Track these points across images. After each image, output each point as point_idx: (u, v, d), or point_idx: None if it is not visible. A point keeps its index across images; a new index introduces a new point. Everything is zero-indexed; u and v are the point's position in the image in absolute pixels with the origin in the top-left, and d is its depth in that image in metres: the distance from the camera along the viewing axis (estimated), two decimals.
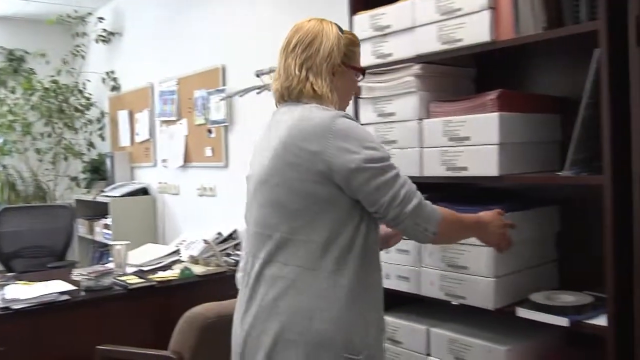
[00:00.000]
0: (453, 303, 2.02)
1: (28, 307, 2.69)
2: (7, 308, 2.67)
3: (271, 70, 2.99)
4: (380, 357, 1.64)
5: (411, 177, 2.10)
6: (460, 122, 1.98)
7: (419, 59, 2.12)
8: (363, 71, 1.81)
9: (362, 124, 2.30)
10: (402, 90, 2.16)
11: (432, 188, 2.16)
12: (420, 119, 2.12)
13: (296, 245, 1.53)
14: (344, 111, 1.66)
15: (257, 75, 3.06)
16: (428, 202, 1.61)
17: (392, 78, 2.19)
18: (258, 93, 2.90)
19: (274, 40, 3.37)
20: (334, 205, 1.53)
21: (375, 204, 1.54)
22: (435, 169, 2.06)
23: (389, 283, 2.24)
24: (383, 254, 2.24)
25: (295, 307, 1.51)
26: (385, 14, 2.22)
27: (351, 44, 1.74)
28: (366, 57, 2.29)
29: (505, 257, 1.94)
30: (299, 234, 1.53)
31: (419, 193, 1.60)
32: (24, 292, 2.77)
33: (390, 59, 2.20)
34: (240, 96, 3.04)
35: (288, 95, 1.67)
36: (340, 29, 1.72)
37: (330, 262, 1.52)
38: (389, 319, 2.28)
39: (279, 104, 1.72)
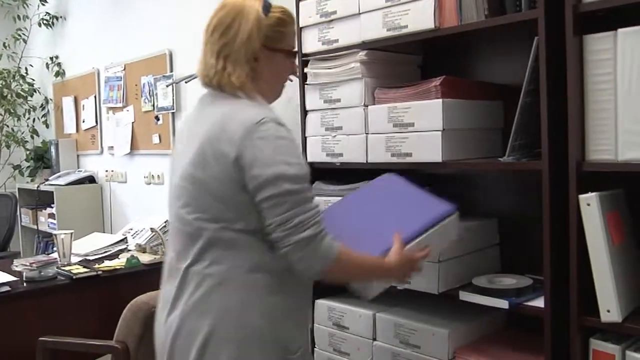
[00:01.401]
0: (398, 288, 2.04)
1: None
2: None
3: None
4: (308, 351, 1.65)
5: (357, 163, 2.15)
6: (404, 109, 1.99)
7: (364, 45, 2.12)
8: (293, 53, 1.68)
9: (308, 110, 2.33)
10: (347, 76, 2.16)
11: (377, 174, 2.19)
12: (366, 105, 2.13)
13: (223, 243, 1.47)
14: (273, 113, 1.57)
15: None
16: (328, 239, 1.45)
17: (338, 64, 2.19)
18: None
19: None
20: (254, 207, 1.45)
21: (266, 220, 1.43)
22: (380, 155, 2.07)
23: None
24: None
25: (226, 304, 1.46)
26: (331, 0, 2.21)
27: (279, 24, 1.59)
28: (312, 43, 2.29)
29: None
30: (225, 232, 1.46)
31: (322, 227, 1.45)
32: None
33: (336, 45, 2.20)
34: (186, 82, 3.00)
35: (209, 84, 1.57)
36: (266, 6, 1.57)
37: (258, 259, 1.47)
38: (335, 304, 2.30)
39: (205, 87, 1.61)
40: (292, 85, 2.77)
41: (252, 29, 1.54)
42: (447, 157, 1.92)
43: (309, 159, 2.34)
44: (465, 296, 1.89)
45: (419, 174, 2.32)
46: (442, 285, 1.95)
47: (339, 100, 2.20)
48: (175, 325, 1.50)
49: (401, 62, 2.26)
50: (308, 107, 2.33)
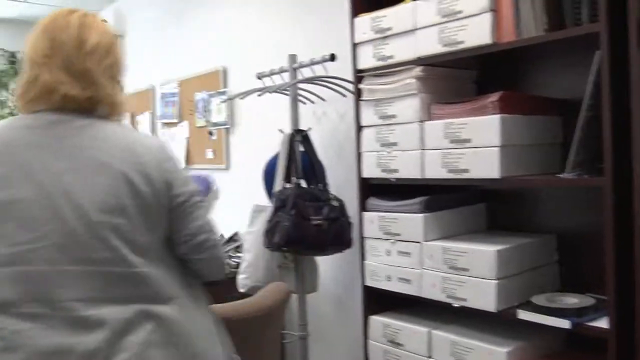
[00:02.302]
0: (454, 305, 2.02)
1: None
2: None
3: (272, 73, 2.99)
4: None
5: (412, 179, 2.14)
6: (461, 125, 1.98)
7: (420, 61, 2.12)
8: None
9: (362, 126, 2.33)
10: (403, 92, 2.16)
11: (432, 189, 2.18)
12: (422, 121, 2.12)
13: (151, 277, 1.38)
14: None
15: (259, 78, 3.06)
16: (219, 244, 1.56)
17: (393, 80, 2.19)
18: (259, 95, 2.90)
19: (274, 42, 3.40)
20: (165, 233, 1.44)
21: (182, 231, 1.44)
22: (436, 171, 2.06)
23: (391, 285, 2.25)
24: (385, 256, 2.26)
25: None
26: (386, 17, 2.22)
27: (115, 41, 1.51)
28: (367, 59, 2.30)
29: (507, 259, 1.94)
30: (155, 267, 1.39)
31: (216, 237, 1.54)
32: None
33: (391, 61, 2.20)
34: (242, 98, 3.04)
35: (78, 104, 1.39)
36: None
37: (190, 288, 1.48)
38: (390, 321, 2.29)
39: (53, 112, 1.39)
40: (345, 101, 2.80)
41: (120, 51, 1.50)
42: (505, 173, 1.89)
43: (364, 175, 2.35)
44: (525, 315, 1.85)
45: (475, 190, 2.31)
46: (500, 303, 1.91)
47: (394, 116, 2.20)
48: None
49: (457, 78, 2.25)
50: (363, 123, 2.33)
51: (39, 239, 1.29)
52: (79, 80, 1.39)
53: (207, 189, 1.96)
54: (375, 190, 2.36)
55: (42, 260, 1.28)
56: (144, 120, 5.00)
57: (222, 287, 3.10)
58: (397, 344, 2.25)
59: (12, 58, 5.89)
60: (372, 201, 2.34)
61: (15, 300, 1.26)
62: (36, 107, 1.40)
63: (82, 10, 1.47)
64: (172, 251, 1.45)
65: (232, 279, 3.12)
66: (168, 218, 1.42)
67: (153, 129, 4.87)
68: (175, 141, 4.46)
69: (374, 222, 2.31)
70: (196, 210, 1.46)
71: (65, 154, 1.35)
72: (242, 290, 2.83)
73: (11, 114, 5.50)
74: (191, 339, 1.39)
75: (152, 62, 4.88)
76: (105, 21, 1.51)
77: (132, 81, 5.14)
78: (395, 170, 2.21)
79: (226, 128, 3.90)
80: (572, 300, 1.86)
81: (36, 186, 1.31)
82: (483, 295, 1.93)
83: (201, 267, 1.52)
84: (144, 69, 5.00)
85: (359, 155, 2.36)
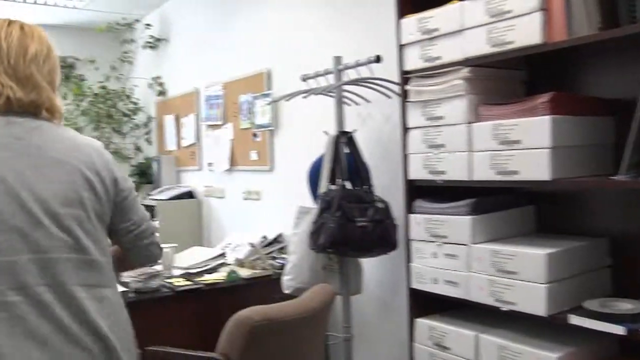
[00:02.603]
0: (503, 309, 1.99)
1: None
2: None
3: (317, 75, 3.00)
4: None
5: (460, 181, 2.12)
6: (511, 126, 1.95)
7: (467, 62, 2.10)
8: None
9: (409, 128, 2.32)
10: (450, 93, 2.15)
11: (480, 192, 2.15)
12: (470, 123, 2.10)
13: (103, 265, 1.52)
14: None
15: (304, 80, 3.07)
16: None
17: (441, 81, 2.17)
18: (305, 97, 2.91)
19: (319, 44, 3.41)
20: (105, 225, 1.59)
21: (131, 220, 1.63)
22: (484, 173, 2.04)
23: (438, 288, 2.23)
24: (431, 259, 2.24)
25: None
26: (433, 17, 2.20)
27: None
28: (414, 61, 2.29)
29: (557, 263, 1.90)
30: (104, 255, 1.53)
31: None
32: None
33: (438, 62, 2.19)
34: (287, 100, 3.05)
35: (22, 107, 1.50)
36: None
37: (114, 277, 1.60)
38: (436, 324, 2.27)
39: (4, 112, 1.49)
40: (390, 103, 2.79)
41: (57, 59, 1.62)
42: (555, 175, 1.86)
43: (410, 177, 2.33)
44: (576, 320, 1.81)
45: (524, 192, 2.28)
46: (551, 307, 1.88)
47: (441, 118, 2.18)
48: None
49: (505, 78, 2.22)
50: (409, 125, 2.32)
51: (9, 231, 1.39)
52: (23, 84, 1.50)
53: None
54: (422, 192, 2.35)
55: (13, 250, 1.38)
56: (188, 122, 5.07)
57: (267, 288, 3.13)
58: (444, 347, 2.23)
59: (62, 63, 5.98)
60: (419, 203, 2.32)
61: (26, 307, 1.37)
62: None
63: (20, 20, 1.58)
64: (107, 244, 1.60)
65: (276, 280, 3.14)
66: (112, 212, 1.58)
67: (198, 131, 4.93)
68: (220, 143, 4.51)
69: (420, 224, 2.29)
70: (136, 203, 1.66)
71: (24, 153, 1.46)
72: (287, 291, 2.84)
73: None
74: (123, 319, 1.58)
75: (197, 65, 4.95)
76: (42, 30, 1.62)
77: (177, 84, 5.25)
78: (443, 172, 2.19)
79: (270, 130, 3.93)
80: (626, 306, 1.82)
81: (0, 182, 1.41)
82: (533, 299, 1.90)
83: (146, 250, 1.70)
84: (189, 72, 5.08)
85: (405, 157, 2.35)
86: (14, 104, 1.49)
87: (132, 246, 1.67)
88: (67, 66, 6.02)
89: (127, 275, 3.10)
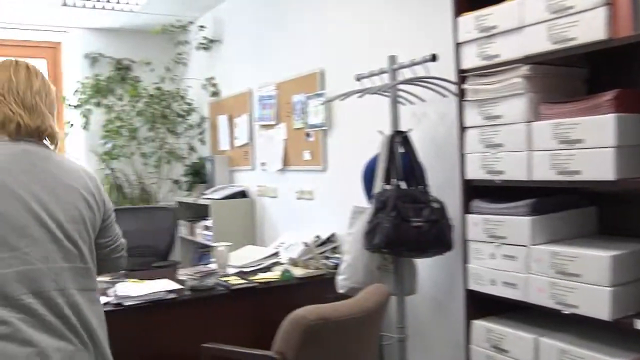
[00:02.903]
0: (564, 312, 1.94)
1: (138, 304, 2.81)
2: (119, 304, 2.80)
3: (371, 74, 2.99)
4: None
5: (519, 181, 2.09)
6: (572, 125, 1.90)
7: (527, 59, 2.06)
8: None
9: (466, 127, 2.30)
10: (509, 92, 2.11)
11: (540, 192, 2.11)
12: (529, 122, 2.06)
13: (93, 271, 1.80)
14: None
15: (358, 79, 3.06)
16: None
17: (499, 80, 2.14)
18: (360, 97, 2.90)
19: (373, 44, 3.40)
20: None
21: (110, 236, 1.93)
22: (544, 173, 1.99)
23: (495, 289, 2.20)
24: (489, 260, 2.21)
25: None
26: (491, 15, 2.17)
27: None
28: (471, 59, 2.26)
29: (622, 265, 1.85)
30: (93, 264, 1.80)
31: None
32: (134, 289, 2.89)
33: (496, 60, 2.15)
34: (342, 100, 3.05)
35: (29, 133, 1.77)
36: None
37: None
38: (494, 326, 2.24)
39: (15, 137, 1.76)
40: (445, 102, 2.77)
41: (54, 95, 1.91)
42: (620, 175, 1.81)
43: (467, 176, 2.30)
44: None
45: (585, 193, 2.22)
46: (615, 311, 1.82)
47: (500, 117, 2.15)
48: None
49: (566, 76, 2.17)
50: (466, 124, 2.29)
51: (32, 244, 1.64)
52: (30, 112, 1.78)
53: None
54: (478, 192, 2.31)
55: (34, 260, 1.63)
56: (241, 122, 5.12)
57: (321, 287, 3.14)
58: (502, 350, 2.19)
59: (119, 65, 6.17)
60: (476, 203, 2.29)
61: (18, 295, 1.58)
62: None
63: (25, 62, 1.88)
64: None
65: (330, 280, 3.14)
66: (99, 228, 1.85)
67: (250, 131, 4.98)
68: (273, 143, 4.54)
69: (477, 224, 2.26)
70: (114, 222, 1.96)
71: (39, 178, 1.73)
72: (341, 291, 2.84)
73: (118, 118, 5.77)
74: (103, 318, 1.83)
75: (250, 66, 5.00)
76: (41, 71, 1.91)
77: (230, 85, 5.31)
78: (501, 172, 2.16)
79: (323, 130, 3.93)
80: None
81: (19, 202, 1.66)
82: (596, 302, 1.85)
83: (115, 262, 2.01)
84: (242, 73, 5.13)
85: (462, 157, 2.32)
86: (22, 130, 1.75)
87: (106, 257, 1.93)
88: (124, 68, 6.17)
89: (184, 274, 3.16)
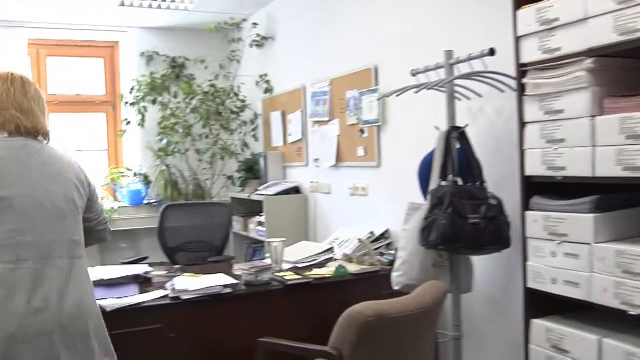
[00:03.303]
0: (631, 313, 1.88)
1: (195, 297, 2.86)
2: (177, 298, 2.85)
3: (427, 69, 2.96)
4: None
5: (581, 177, 2.03)
6: None
7: (591, 52, 2.00)
8: None
9: (526, 122, 2.25)
10: (572, 86, 2.06)
11: (604, 188, 2.05)
12: (593, 116, 2.00)
13: (81, 242, 2.21)
14: None
15: (413, 74, 3.04)
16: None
17: (561, 73, 2.09)
18: (416, 92, 2.87)
19: (427, 39, 3.36)
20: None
21: (94, 211, 2.36)
22: (609, 169, 1.94)
23: (555, 288, 2.15)
24: (549, 258, 2.16)
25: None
26: (552, 6, 2.12)
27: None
28: (531, 52, 2.22)
29: None
30: (81, 236, 2.21)
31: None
32: (191, 283, 2.94)
33: (558, 53, 2.10)
34: (397, 95, 3.03)
35: (27, 131, 2.18)
36: None
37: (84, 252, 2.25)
38: (554, 325, 2.19)
39: (14, 134, 2.16)
40: (502, 97, 2.72)
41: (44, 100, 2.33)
42: None
43: (527, 172, 2.26)
44: None
45: None
46: None
47: (561, 111, 2.09)
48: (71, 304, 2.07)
49: (632, 68, 2.10)
50: (526, 119, 2.24)
51: (41, 220, 2.08)
52: (26, 115, 2.19)
53: None
54: (538, 188, 2.27)
55: (39, 233, 2.06)
56: (294, 118, 5.14)
57: (375, 284, 3.13)
58: (562, 351, 2.14)
59: (173, 63, 6.28)
60: (536, 200, 2.24)
61: (24, 258, 2.01)
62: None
63: (18, 72, 2.30)
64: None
65: (384, 276, 3.13)
66: (85, 206, 2.27)
67: (304, 127, 5.00)
68: (326, 139, 4.55)
69: (537, 221, 2.21)
70: (97, 200, 2.41)
71: (37, 166, 2.14)
72: (396, 287, 2.83)
73: (173, 115, 5.87)
74: (87, 277, 2.21)
75: (303, 62, 5.01)
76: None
77: (283, 81, 5.34)
78: (562, 168, 2.10)
79: (377, 125, 3.92)
80: None
81: (23, 186, 2.08)
82: None
83: (100, 234, 2.44)
84: (295, 69, 5.15)
85: (522, 153, 2.27)
86: (21, 129, 2.16)
87: (92, 229, 2.36)
88: (178, 66, 6.28)
89: (239, 268, 3.20)
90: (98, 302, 2.53)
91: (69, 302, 2.04)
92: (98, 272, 3.19)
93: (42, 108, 2.27)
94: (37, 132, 2.21)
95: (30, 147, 2.16)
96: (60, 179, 2.17)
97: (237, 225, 5.56)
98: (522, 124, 2.27)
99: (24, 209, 2.05)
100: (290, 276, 3.16)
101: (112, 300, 2.76)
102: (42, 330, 1.96)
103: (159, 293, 2.92)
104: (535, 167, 2.22)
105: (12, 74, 2.26)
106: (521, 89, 2.26)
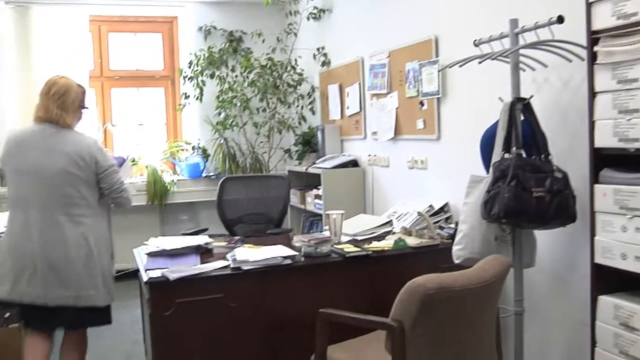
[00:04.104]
0: None
1: (256, 268, 2.90)
2: (238, 268, 2.89)
3: (491, 39, 2.88)
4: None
5: None
6: None
7: None
8: (84, 107, 3.17)
9: (596, 92, 2.17)
10: None
11: None
12: None
13: (80, 204, 2.98)
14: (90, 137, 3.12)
15: (476, 45, 2.96)
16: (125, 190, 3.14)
17: (637, 40, 1.99)
18: (480, 62, 2.80)
19: (490, 8, 3.27)
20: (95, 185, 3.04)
21: (107, 184, 3.04)
22: None
23: (626, 264, 2.09)
24: (620, 233, 2.09)
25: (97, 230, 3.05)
26: None
27: (81, 93, 3.13)
28: (604, 19, 2.13)
29: None
30: (83, 199, 2.98)
31: (124, 187, 3.13)
32: (251, 254, 2.97)
33: (634, 19, 2.01)
34: (461, 66, 2.96)
35: (50, 122, 2.99)
36: (77, 84, 3.13)
37: (97, 211, 3.07)
38: (623, 302, 2.13)
39: (41, 123, 3.01)
40: (569, 67, 2.64)
41: (76, 94, 3.09)
42: None
43: (597, 145, 2.19)
44: None
45: None
46: None
47: (636, 80, 2.01)
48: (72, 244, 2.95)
49: None
50: (597, 89, 2.16)
51: (41, 184, 2.93)
52: (44, 109, 3.00)
53: (121, 163, 3.31)
54: (608, 161, 2.19)
55: (44, 195, 2.92)
56: (352, 91, 5.11)
57: (434, 257, 3.11)
58: (632, 329, 2.08)
59: (231, 37, 6.32)
60: (606, 173, 2.17)
61: (30, 211, 2.93)
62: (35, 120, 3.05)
63: (55, 77, 3.08)
64: (95, 196, 3.05)
65: (443, 250, 3.11)
66: (97, 178, 3.01)
67: (362, 100, 4.96)
68: (385, 112, 4.51)
69: (607, 195, 2.14)
70: (111, 174, 3.04)
71: (46, 145, 2.96)
72: (457, 261, 2.79)
73: (231, 89, 5.91)
74: (96, 234, 3.03)
75: (361, 34, 4.96)
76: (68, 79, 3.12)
77: (340, 54, 5.31)
78: (636, 140, 2.02)
79: (437, 98, 3.85)
80: None
81: (32, 158, 2.94)
82: None
83: (117, 200, 3.11)
84: (353, 42, 5.11)
85: (592, 124, 2.20)
86: (42, 119, 3.00)
87: (110, 197, 3.09)
88: (236, 40, 6.32)
89: (298, 240, 3.22)
90: (161, 271, 2.88)
91: (50, 245, 2.90)
92: (160, 243, 3.27)
93: (60, 104, 2.99)
94: (57, 121, 2.98)
95: (46, 131, 2.98)
96: (60, 155, 2.92)
97: (294, 198, 5.59)
98: (593, 94, 2.19)
99: (30, 175, 2.93)
100: (349, 249, 3.17)
101: (176, 270, 2.82)
102: (31, 261, 2.90)
103: (220, 264, 2.97)
104: (606, 139, 2.14)
105: (49, 79, 3.07)
106: (592, 58, 2.17)
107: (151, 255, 3.15)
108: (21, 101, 5.73)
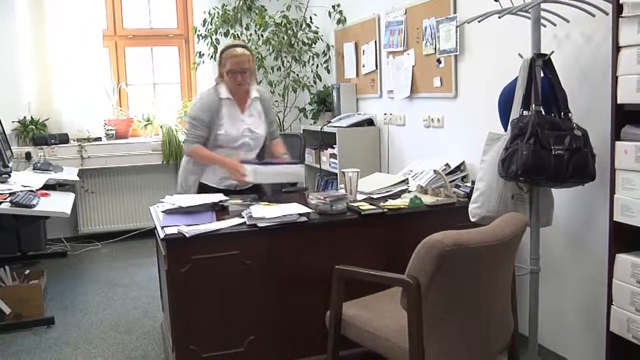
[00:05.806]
0: None
1: (271, 225, 2.90)
2: (253, 225, 2.90)
3: None
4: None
5: None
6: None
7: None
8: (229, 71, 3.47)
9: (621, 47, 2.11)
10: None
11: None
12: None
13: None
14: (230, 89, 3.56)
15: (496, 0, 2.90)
16: (188, 144, 3.58)
17: None
18: (500, 17, 2.74)
19: None
20: None
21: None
22: None
23: None
24: None
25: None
26: None
27: (220, 58, 3.53)
28: None
29: None
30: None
31: (190, 140, 3.55)
32: (267, 211, 2.98)
33: None
34: (480, 21, 2.89)
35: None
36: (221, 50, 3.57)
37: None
38: None
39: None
40: (591, 22, 2.58)
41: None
42: None
43: (620, 100, 2.15)
44: None
45: None
46: None
47: None
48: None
49: None
50: (622, 43, 2.11)
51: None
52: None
53: None
54: (631, 117, 2.15)
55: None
56: (368, 49, 5.05)
57: (450, 216, 3.10)
58: None
59: None
60: (629, 129, 2.13)
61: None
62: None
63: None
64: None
65: (460, 208, 3.09)
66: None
67: (378, 58, 4.90)
68: (401, 70, 4.45)
69: (629, 152, 2.11)
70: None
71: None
72: (473, 219, 2.78)
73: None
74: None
75: None
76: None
77: (356, 11, 5.22)
78: None
79: (455, 55, 3.79)
80: None
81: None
82: None
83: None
84: None
85: (615, 79, 2.15)
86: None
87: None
88: None
89: (314, 198, 3.22)
90: (177, 228, 2.85)
91: None
92: (176, 200, 3.27)
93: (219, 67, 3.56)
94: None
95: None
96: None
97: (309, 157, 5.58)
98: (617, 49, 2.14)
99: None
100: (365, 206, 3.16)
101: (192, 227, 2.83)
102: None
103: (236, 221, 2.98)
104: (629, 95, 2.10)
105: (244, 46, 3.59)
106: (619, 10, 2.12)
107: (167, 212, 3.17)
108: (35, 60, 5.72)
